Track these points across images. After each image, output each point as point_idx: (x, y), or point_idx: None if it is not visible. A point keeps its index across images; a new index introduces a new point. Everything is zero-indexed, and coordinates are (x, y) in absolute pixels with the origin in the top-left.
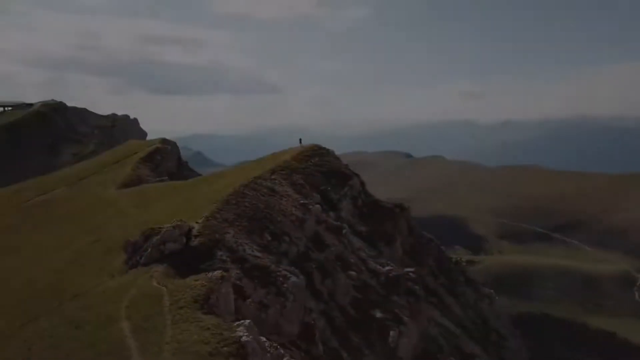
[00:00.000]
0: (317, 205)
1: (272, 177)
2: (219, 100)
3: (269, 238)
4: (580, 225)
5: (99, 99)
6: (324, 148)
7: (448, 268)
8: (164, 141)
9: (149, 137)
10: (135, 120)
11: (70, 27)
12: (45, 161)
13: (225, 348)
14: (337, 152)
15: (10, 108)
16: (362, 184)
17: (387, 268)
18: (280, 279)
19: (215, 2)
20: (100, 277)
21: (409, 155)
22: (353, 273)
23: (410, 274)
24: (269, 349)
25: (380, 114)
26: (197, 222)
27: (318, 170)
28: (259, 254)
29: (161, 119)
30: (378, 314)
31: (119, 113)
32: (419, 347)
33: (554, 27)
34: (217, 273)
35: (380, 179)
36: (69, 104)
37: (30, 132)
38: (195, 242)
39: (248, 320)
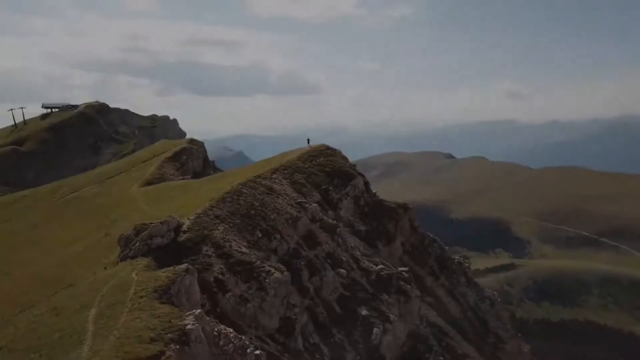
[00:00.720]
0: (314, 204)
1: (273, 176)
2: (260, 101)
3: (260, 235)
4: (629, 229)
5: (145, 100)
6: (332, 148)
7: (450, 269)
8: (192, 141)
9: (189, 138)
10: (175, 121)
11: (119, 31)
12: (87, 160)
13: (168, 335)
14: (377, 152)
15: (57, 109)
16: (367, 183)
17: (380, 267)
18: (263, 274)
19: (257, 5)
20: (95, 269)
21: (450, 156)
22: (343, 271)
23: (404, 273)
24: (232, 340)
25: (421, 114)
26: (189, 219)
27: (322, 170)
28: (245, 250)
29: (204, 119)
30: (364, 312)
31: (165, 114)
32: (406, 346)
33: (603, 25)
34: (183, 266)
35: (421, 180)
36: (117, 105)
37: (74, 132)
38: (182, 237)
39: (199, 310)
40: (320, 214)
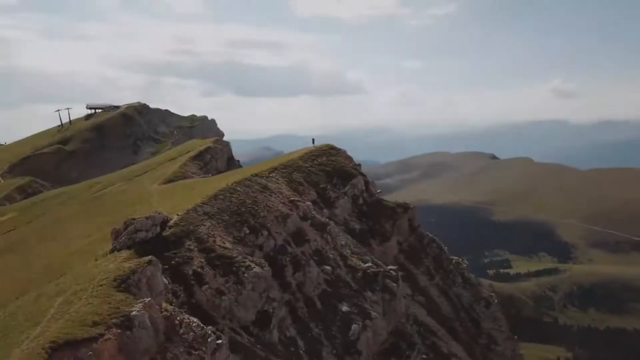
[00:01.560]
0: (308, 203)
1: (271, 174)
2: (303, 101)
3: (247, 231)
4: None
5: (191, 100)
6: (336, 148)
7: (446, 269)
8: (216, 141)
9: (230, 137)
10: (213, 121)
11: (167, 34)
12: (127, 158)
13: (113, 320)
14: (420, 152)
15: (100, 110)
16: (367, 183)
17: (367, 265)
18: (243, 269)
19: (299, 6)
20: (89, 261)
21: (493, 157)
22: (328, 268)
23: (392, 271)
24: (194, 329)
25: (465, 114)
26: (177, 215)
27: (322, 169)
28: (229, 246)
29: (248, 120)
30: (344, 308)
31: (210, 114)
32: (388, 343)
33: None
34: (147, 258)
35: (463, 181)
36: (165, 105)
37: (115, 132)
38: (167, 232)
39: (149, 299)
40: (313, 212)
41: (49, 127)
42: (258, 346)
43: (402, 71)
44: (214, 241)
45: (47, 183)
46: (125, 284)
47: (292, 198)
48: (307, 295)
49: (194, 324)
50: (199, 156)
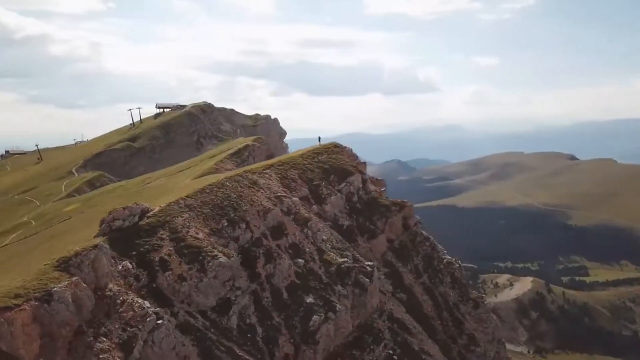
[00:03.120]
0: (295, 199)
1: (265, 171)
2: (373, 100)
3: (225, 224)
4: None
5: (262, 100)
6: (340, 146)
7: (436, 268)
8: (257, 139)
9: (301, 136)
10: (276, 120)
11: (240, 35)
12: (190, 155)
13: (35, 294)
14: (491, 152)
15: (168, 109)
16: (365, 181)
17: (343, 260)
18: (208, 258)
19: (369, 4)
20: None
21: (572, 157)
22: (300, 261)
23: (367, 267)
24: (135, 309)
25: (544, 113)
26: (160, 206)
27: (319, 167)
28: (201, 237)
29: (318, 118)
30: (309, 299)
31: (279, 113)
32: (352, 336)
33: None
34: (95, 242)
35: (538, 182)
36: (236, 105)
37: (180, 130)
38: (144, 221)
39: (76, 278)
40: (299, 207)
41: (123, 125)
42: (212, 330)
43: (476, 68)
44: (187, 232)
45: (115, 177)
46: (66, 264)
47: (278, 193)
48: (275, 286)
49: (136, 305)
50: (236, 153)
